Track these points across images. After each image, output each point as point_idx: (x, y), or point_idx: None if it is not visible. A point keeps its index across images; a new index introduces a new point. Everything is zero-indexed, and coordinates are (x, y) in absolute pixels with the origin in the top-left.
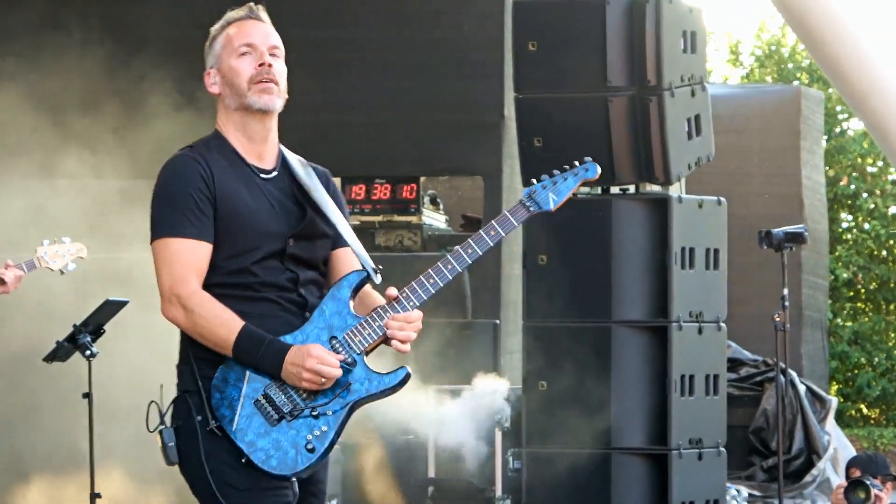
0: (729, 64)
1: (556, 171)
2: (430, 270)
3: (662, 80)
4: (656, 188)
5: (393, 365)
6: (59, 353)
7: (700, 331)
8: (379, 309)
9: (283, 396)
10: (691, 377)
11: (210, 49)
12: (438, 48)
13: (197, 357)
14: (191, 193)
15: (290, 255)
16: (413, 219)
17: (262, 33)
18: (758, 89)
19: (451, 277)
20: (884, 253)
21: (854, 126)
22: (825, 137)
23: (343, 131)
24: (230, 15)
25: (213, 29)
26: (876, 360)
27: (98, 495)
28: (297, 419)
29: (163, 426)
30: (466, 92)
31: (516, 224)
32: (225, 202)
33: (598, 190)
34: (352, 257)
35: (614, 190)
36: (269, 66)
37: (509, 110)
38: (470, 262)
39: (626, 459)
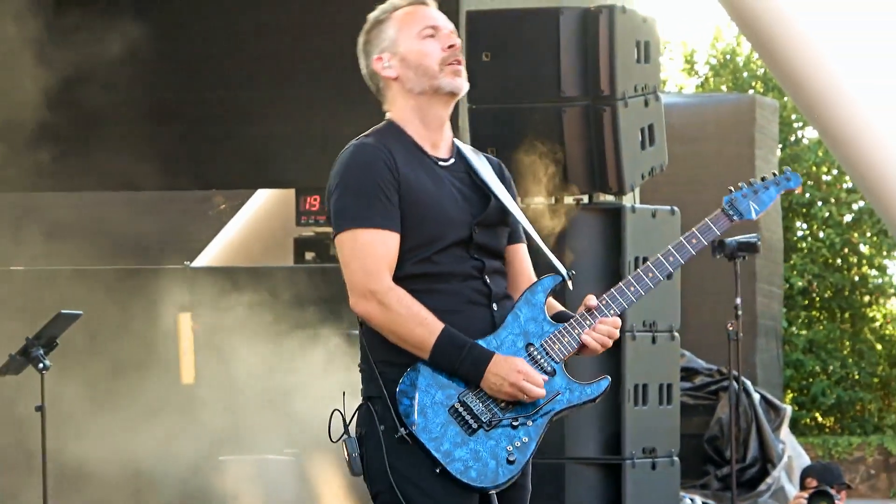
0: (684, 73)
1: (755, 180)
2: (630, 278)
3: (616, 89)
4: (610, 198)
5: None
6: (11, 367)
7: (654, 340)
8: (578, 317)
9: (480, 405)
10: (645, 386)
11: (375, 35)
12: None
13: (379, 360)
14: (377, 182)
15: (476, 244)
16: None
17: (441, 16)
18: (713, 98)
19: (652, 286)
20: (838, 261)
21: (809, 135)
22: (780, 146)
23: (298, 142)
24: (393, 3)
25: (373, 16)
26: (830, 368)
27: None
28: (496, 429)
29: (346, 435)
30: None
31: (718, 233)
32: (410, 191)
33: (552, 200)
34: (527, 254)
35: (568, 200)
36: (458, 47)
37: (463, 121)
38: (672, 270)
39: (580, 469)
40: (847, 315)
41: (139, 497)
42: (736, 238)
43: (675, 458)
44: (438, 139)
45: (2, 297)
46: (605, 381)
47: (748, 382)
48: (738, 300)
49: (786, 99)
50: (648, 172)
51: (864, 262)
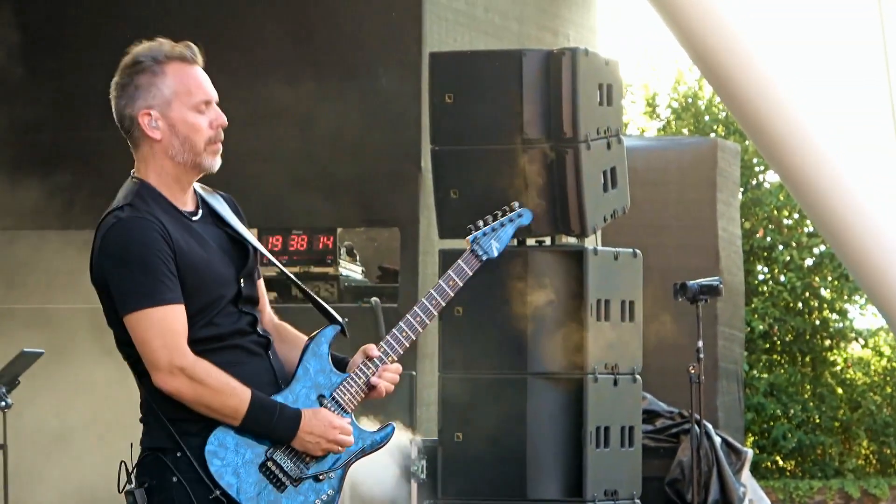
0: (646, 116)
1: (489, 217)
2: (401, 324)
3: (578, 132)
4: (572, 240)
5: None
6: None
7: (615, 382)
8: (361, 366)
9: (289, 461)
10: (607, 429)
11: (145, 82)
12: (356, 99)
13: (173, 419)
14: (159, 257)
15: (243, 297)
16: (330, 270)
17: (212, 86)
18: (674, 141)
19: (421, 330)
20: (799, 305)
21: (770, 178)
22: (741, 190)
23: (260, 182)
24: (170, 49)
25: (142, 56)
26: (791, 411)
27: None
28: (302, 484)
29: (131, 485)
30: (383, 143)
31: (470, 273)
32: (184, 260)
33: (515, 242)
34: (264, 288)
35: (530, 242)
36: (223, 126)
37: (426, 162)
38: (436, 313)
39: None
40: (808, 359)
41: None
42: (698, 281)
43: (637, 501)
44: (188, 196)
45: None
46: (391, 428)
47: (709, 425)
48: (700, 343)
49: (747, 143)
50: (611, 215)
51: (826, 306)
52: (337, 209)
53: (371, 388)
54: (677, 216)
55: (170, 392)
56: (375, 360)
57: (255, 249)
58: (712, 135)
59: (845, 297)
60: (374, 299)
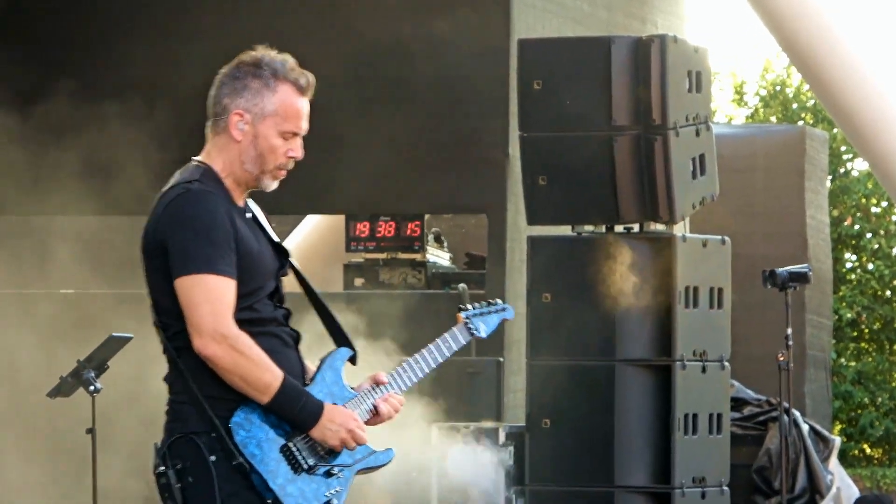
0: (734, 104)
1: (477, 304)
2: (405, 364)
3: (667, 119)
4: (661, 227)
5: None
6: (62, 389)
7: (704, 370)
8: (368, 388)
9: (307, 449)
10: (695, 416)
11: (254, 88)
12: (443, 86)
13: (209, 396)
14: (225, 231)
15: (278, 294)
16: (417, 256)
17: (306, 121)
18: (762, 129)
19: (421, 376)
20: (888, 293)
21: (858, 166)
22: (829, 177)
23: (348, 169)
24: (290, 69)
25: (266, 64)
26: (879, 399)
27: None
28: (315, 474)
29: (163, 467)
30: (471, 130)
31: (463, 343)
32: (241, 244)
33: (603, 228)
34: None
35: (618, 229)
36: (296, 159)
37: (514, 149)
38: (434, 366)
39: (630, 498)
40: None
41: None
42: (787, 269)
43: (725, 488)
44: (240, 196)
45: (52, 320)
46: (391, 452)
47: (797, 413)
48: (790, 330)
49: (836, 130)
50: (699, 202)
51: None
52: (425, 196)
53: (375, 412)
54: (765, 204)
55: (208, 357)
56: (384, 386)
57: (288, 255)
58: (800, 122)
59: None
60: (462, 286)
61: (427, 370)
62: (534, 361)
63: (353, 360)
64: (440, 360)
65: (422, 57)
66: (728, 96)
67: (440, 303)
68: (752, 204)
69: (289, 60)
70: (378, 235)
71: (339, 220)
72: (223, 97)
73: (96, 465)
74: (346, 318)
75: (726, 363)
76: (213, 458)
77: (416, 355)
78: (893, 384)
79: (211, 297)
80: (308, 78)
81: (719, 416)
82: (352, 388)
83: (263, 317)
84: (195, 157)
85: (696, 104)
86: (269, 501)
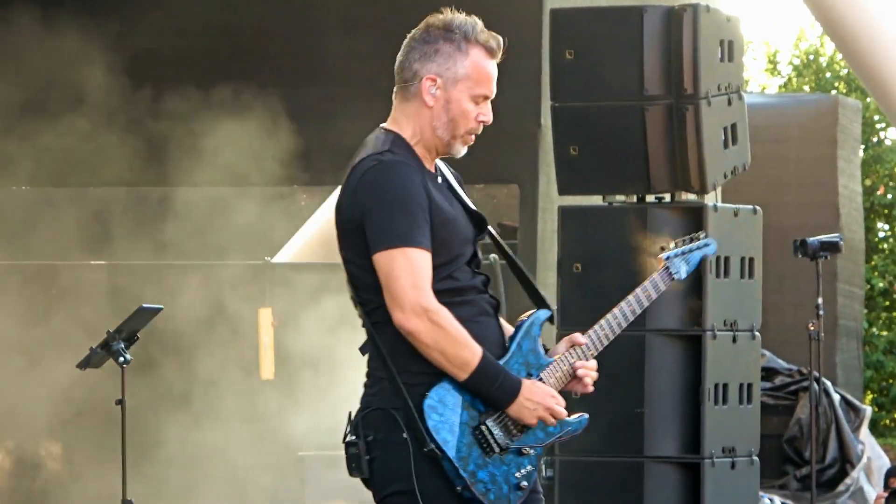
0: (767, 73)
1: (679, 241)
2: (602, 322)
3: (699, 88)
4: (692, 197)
5: None
6: (92, 360)
7: (734, 339)
8: (567, 353)
9: (499, 429)
10: (725, 386)
11: (445, 52)
12: None
13: (405, 371)
14: (420, 203)
15: (476, 260)
16: None
17: (495, 84)
18: (795, 98)
19: (618, 331)
20: None
21: (892, 136)
22: (862, 147)
23: None
24: (480, 31)
25: (455, 24)
26: None
27: (130, 502)
28: (508, 454)
29: (354, 437)
30: (503, 100)
31: (663, 289)
32: (436, 212)
33: (634, 198)
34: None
35: (650, 198)
36: (486, 124)
37: (546, 119)
38: (631, 319)
39: (659, 468)
40: None
41: (221, 487)
42: (818, 238)
43: (755, 458)
44: (430, 162)
45: (83, 292)
46: (585, 418)
47: (828, 383)
48: (820, 300)
49: (869, 100)
50: (731, 171)
51: None
52: (456, 166)
53: (573, 375)
54: (798, 173)
55: (409, 331)
56: (582, 347)
57: (485, 221)
58: (833, 92)
59: None
60: (493, 256)
61: (625, 324)
62: (564, 331)
63: (551, 319)
64: (639, 310)
65: None
66: (761, 65)
67: None
68: (785, 173)
69: (478, 23)
70: None
71: None
72: (413, 62)
73: (126, 436)
74: None
75: (757, 333)
76: (405, 435)
77: (615, 310)
78: None
79: (411, 271)
80: (497, 40)
81: (749, 385)
82: (548, 354)
83: (463, 285)
84: (382, 125)
85: (728, 73)
86: (458, 488)
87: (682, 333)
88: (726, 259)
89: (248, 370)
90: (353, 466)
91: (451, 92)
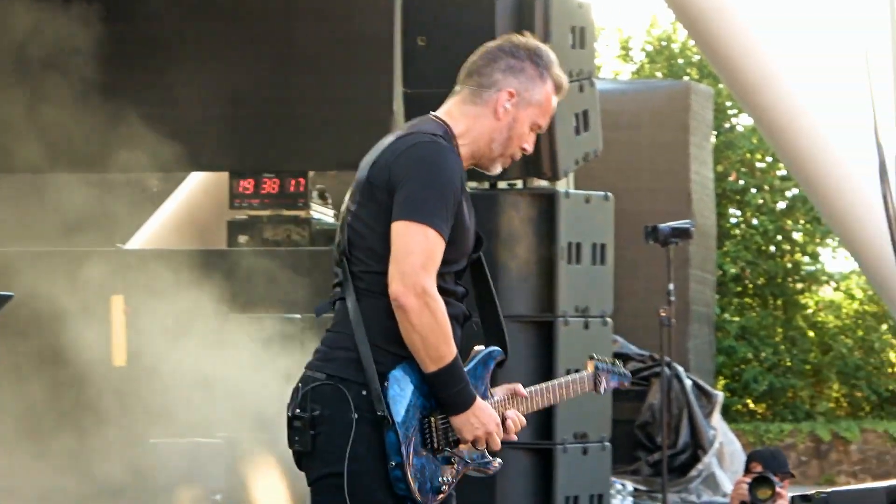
0: (619, 59)
1: (614, 362)
2: (537, 388)
3: None
4: (544, 183)
5: None
6: None
7: (586, 326)
8: (505, 399)
9: (441, 431)
10: (577, 371)
11: (531, 74)
12: (328, 43)
13: (375, 345)
14: (455, 194)
15: (463, 273)
16: (301, 213)
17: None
18: (647, 85)
19: (544, 406)
20: (771, 248)
21: (743, 122)
22: (714, 133)
23: (231, 125)
24: (556, 67)
25: (543, 56)
26: (763, 355)
27: None
28: (439, 457)
29: (299, 410)
30: (356, 87)
31: (587, 391)
32: (460, 213)
33: (486, 185)
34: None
35: (502, 184)
36: (527, 151)
37: (398, 105)
38: (559, 400)
39: (512, 454)
40: (780, 302)
41: (75, 476)
42: (669, 224)
43: (607, 444)
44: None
45: None
46: (500, 462)
47: (680, 368)
48: (671, 286)
49: (721, 86)
50: (583, 158)
51: (798, 249)
52: (309, 152)
53: (503, 419)
54: (650, 159)
55: (401, 305)
56: (521, 399)
57: (483, 242)
58: (686, 78)
59: (817, 241)
60: None
61: (553, 403)
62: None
63: (501, 363)
64: (566, 398)
65: (307, 13)
66: (613, 52)
67: (324, 259)
68: (637, 160)
69: (556, 61)
70: (262, 192)
71: (223, 176)
72: (497, 71)
73: None
74: (231, 275)
75: (609, 319)
76: (354, 415)
77: (550, 383)
78: (777, 339)
79: (426, 251)
80: (565, 81)
81: None
82: (490, 393)
83: (448, 288)
84: (433, 113)
85: (579, 60)
86: (393, 464)
87: (534, 319)
88: (578, 245)
89: (101, 357)
90: (296, 440)
91: (521, 112)
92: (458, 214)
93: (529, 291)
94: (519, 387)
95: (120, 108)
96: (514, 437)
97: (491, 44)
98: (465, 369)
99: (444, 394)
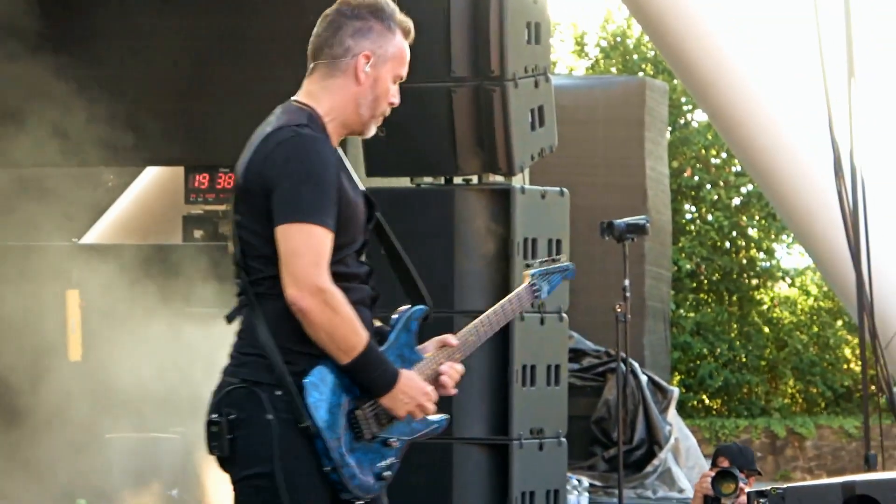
0: (574, 55)
1: (542, 260)
2: (469, 327)
3: (506, 70)
4: (500, 179)
5: None
6: None
7: (542, 321)
8: (437, 353)
9: (371, 418)
10: (533, 367)
11: (379, 33)
12: (282, 36)
13: (284, 348)
14: (332, 182)
15: (364, 248)
16: None
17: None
18: (603, 80)
19: (485, 339)
20: (726, 244)
21: (698, 117)
22: (669, 129)
23: (186, 119)
24: (399, 16)
25: (384, 8)
26: (718, 350)
27: None
28: (375, 443)
29: (216, 415)
30: None
31: (528, 305)
32: (342, 192)
33: (441, 180)
34: None
35: (457, 180)
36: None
37: None
38: (496, 329)
39: (467, 450)
40: (735, 298)
41: (26, 473)
42: (625, 220)
43: (563, 439)
44: (335, 142)
45: None
46: (445, 419)
47: (636, 364)
48: (627, 282)
49: (675, 81)
50: (538, 153)
51: (753, 245)
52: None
53: (438, 375)
54: (605, 155)
55: (300, 309)
56: (455, 349)
57: (376, 206)
58: (641, 74)
59: (772, 237)
60: None
61: (491, 333)
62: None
63: (427, 316)
64: (504, 322)
65: (261, 6)
66: (569, 47)
67: None
68: (592, 155)
69: (396, 9)
70: (218, 187)
71: (179, 171)
72: (346, 38)
73: None
74: (185, 271)
75: (564, 315)
76: (270, 416)
77: (482, 317)
78: (732, 335)
79: (313, 249)
80: (410, 23)
81: (557, 367)
82: (419, 350)
83: (349, 272)
84: (294, 98)
85: (535, 55)
86: (326, 468)
87: None
88: (534, 241)
89: (56, 352)
90: (214, 445)
91: (381, 70)
92: (340, 196)
93: (484, 286)
94: (449, 337)
95: (71, 100)
96: (454, 391)
97: (329, 11)
98: (388, 341)
99: (365, 380)
